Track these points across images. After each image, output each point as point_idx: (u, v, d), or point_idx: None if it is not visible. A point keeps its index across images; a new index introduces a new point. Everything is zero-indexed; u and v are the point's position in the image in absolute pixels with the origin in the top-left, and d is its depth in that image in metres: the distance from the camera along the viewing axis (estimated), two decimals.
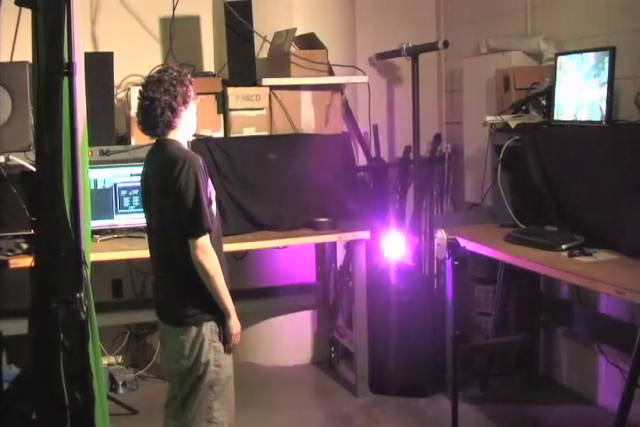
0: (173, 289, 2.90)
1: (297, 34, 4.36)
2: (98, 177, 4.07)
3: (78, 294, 2.57)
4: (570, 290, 4.11)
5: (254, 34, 4.33)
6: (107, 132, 4.12)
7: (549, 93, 3.71)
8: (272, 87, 4.36)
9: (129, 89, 4.32)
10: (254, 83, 4.33)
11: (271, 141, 4.38)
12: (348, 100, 4.75)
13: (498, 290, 4.32)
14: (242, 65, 4.31)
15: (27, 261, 3.31)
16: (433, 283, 4.89)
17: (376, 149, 5.05)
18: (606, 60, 3.32)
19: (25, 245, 3.73)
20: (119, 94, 4.49)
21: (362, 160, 4.98)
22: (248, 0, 4.30)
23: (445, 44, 4.38)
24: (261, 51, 4.52)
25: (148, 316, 3.61)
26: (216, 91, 4.30)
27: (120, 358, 4.71)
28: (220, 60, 4.73)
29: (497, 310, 4.31)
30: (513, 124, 3.78)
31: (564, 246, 3.27)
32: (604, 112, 3.33)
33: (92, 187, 4.05)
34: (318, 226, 4.26)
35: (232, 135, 4.34)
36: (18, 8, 3.24)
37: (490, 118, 3.94)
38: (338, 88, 4.55)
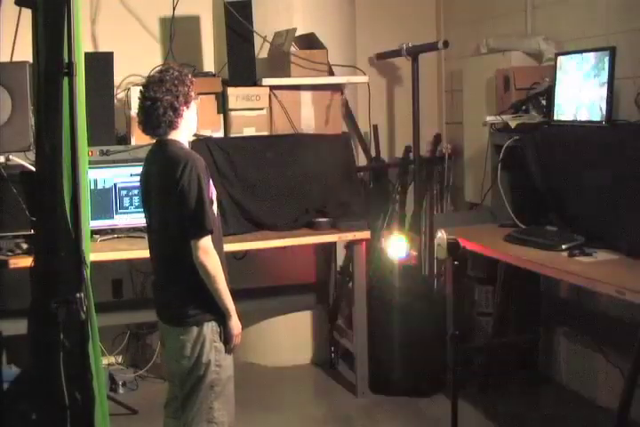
0: (174, 289, 2.90)
1: (297, 34, 4.36)
2: (98, 177, 4.07)
3: (78, 294, 2.57)
4: (570, 290, 4.11)
5: (254, 34, 4.33)
6: (107, 132, 4.12)
7: (549, 93, 3.71)
8: (272, 87, 4.36)
9: (129, 89, 4.32)
10: (254, 83, 4.33)
11: (271, 141, 4.37)
12: (348, 100, 4.75)
13: (498, 290, 4.32)
14: (242, 65, 4.31)
15: (27, 261, 3.30)
16: (433, 283, 4.89)
17: (376, 149, 5.05)
18: (606, 60, 3.32)
19: (25, 245, 3.72)
20: (119, 94, 4.49)
21: (362, 160, 4.98)
22: (248, 0, 4.30)
23: (445, 44, 4.38)
24: (261, 51, 4.52)
25: (147, 316, 3.61)
26: (216, 91, 4.30)
27: (120, 358, 4.71)
28: (220, 60, 4.73)
29: (497, 310, 4.31)
30: (513, 124, 3.79)
31: (563, 246, 3.27)
32: (604, 112, 3.33)
33: (92, 187, 4.05)
34: (318, 226, 4.26)
35: (232, 135, 4.34)
36: (18, 8, 3.23)
37: (490, 118, 3.94)
38: (338, 88, 4.55)
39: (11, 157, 3.73)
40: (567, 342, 4.26)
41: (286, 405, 4.22)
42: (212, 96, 4.29)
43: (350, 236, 4.21)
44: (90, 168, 3.73)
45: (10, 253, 3.69)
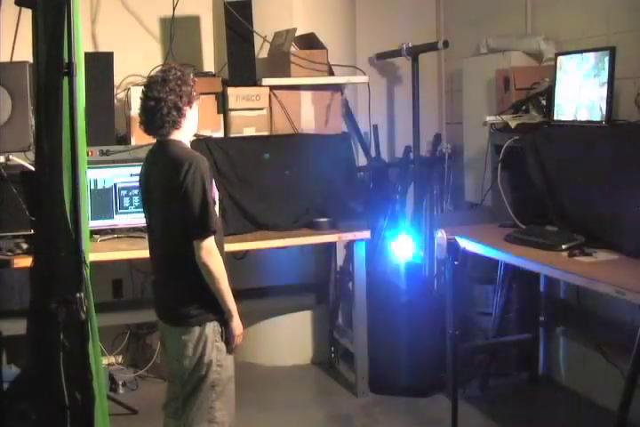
0: (176, 289, 2.89)
1: (297, 34, 4.36)
2: (98, 177, 4.07)
3: (78, 294, 2.57)
4: (570, 290, 4.11)
5: (254, 34, 4.33)
6: (107, 132, 4.12)
7: (549, 93, 3.71)
8: (272, 87, 4.36)
9: (129, 89, 4.32)
10: (254, 83, 4.33)
11: (271, 141, 4.37)
12: (348, 100, 4.75)
13: (498, 290, 4.32)
14: (242, 65, 4.31)
15: (27, 261, 3.31)
16: (433, 283, 4.90)
17: (376, 149, 5.05)
18: (606, 60, 3.32)
19: (25, 245, 3.72)
20: (119, 94, 4.49)
21: (362, 160, 4.98)
22: (248, 0, 4.30)
23: (445, 44, 4.38)
24: (261, 51, 4.52)
25: (147, 316, 3.61)
26: (216, 91, 4.30)
27: (120, 358, 4.71)
28: (220, 60, 4.73)
29: (497, 310, 4.31)
30: (513, 124, 3.78)
31: (564, 246, 3.26)
32: (604, 112, 3.33)
33: (92, 187, 4.05)
34: (318, 226, 4.26)
35: (232, 135, 4.34)
36: (18, 8, 3.24)
37: (490, 118, 3.94)
38: (338, 88, 4.55)
39: (11, 157, 3.73)
40: (567, 342, 4.26)
41: (286, 405, 4.22)
42: (212, 96, 4.29)
43: (350, 236, 4.21)
44: (90, 168, 3.74)
45: (10, 253, 3.69)
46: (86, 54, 3.46)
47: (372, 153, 5.04)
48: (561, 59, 3.65)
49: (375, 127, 5.00)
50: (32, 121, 3.55)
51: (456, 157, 5.07)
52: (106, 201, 4.09)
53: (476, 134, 4.44)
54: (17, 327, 3.10)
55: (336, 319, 4.76)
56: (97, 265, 3.41)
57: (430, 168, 5.12)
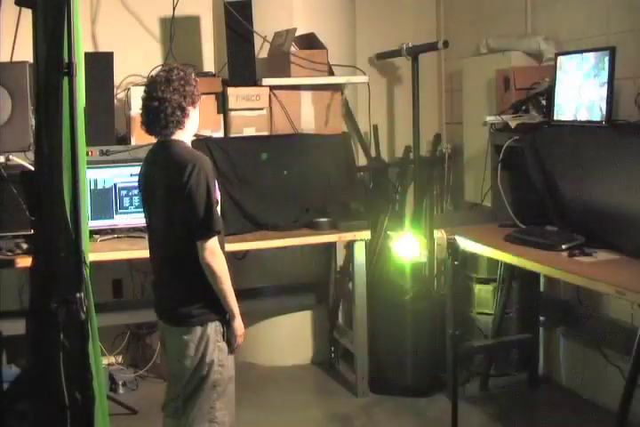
0: (178, 289, 2.89)
1: (297, 34, 4.36)
2: (98, 177, 4.07)
3: (78, 294, 2.57)
4: (570, 290, 4.11)
5: (254, 34, 4.33)
6: (107, 132, 4.12)
7: (549, 93, 3.71)
8: (272, 87, 4.36)
9: (129, 89, 4.32)
10: (254, 83, 4.32)
11: (271, 141, 4.37)
12: (348, 100, 4.75)
13: (498, 290, 4.32)
14: (242, 65, 4.31)
15: (27, 261, 3.31)
16: (433, 283, 4.90)
17: (376, 149, 5.05)
18: (606, 60, 3.32)
19: (25, 245, 3.72)
20: (119, 94, 4.49)
21: (362, 160, 4.98)
22: (248, 0, 4.30)
23: (445, 44, 4.38)
24: (261, 51, 4.52)
25: (147, 316, 3.61)
26: (216, 91, 4.30)
27: (120, 358, 4.71)
28: (220, 60, 4.73)
29: (497, 310, 4.31)
30: (513, 124, 3.78)
31: (563, 246, 3.26)
32: (604, 112, 3.33)
33: (92, 187, 4.05)
34: (318, 226, 4.26)
35: (232, 135, 4.34)
36: (18, 8, 3.24)
37: (490, 118, 3.94)
38: (338, 88, 4.55)
39: (11, 157, 3.73)
40: (567, 342, 4.26)
41: (286, 405, 4.22)
42: (212, 96, 4.29)
43: (350, 236, 4.21)
44: (90, 168, 3.74)
45: (10, 253, 3.69)
46: (86, 54, 3.46)
47: (372, 153, 5.04)
48: (561, 59, 3.65)
49: (375, 127, 5.00)
50: (32, 121, 3.54)
51: (456, 157, 5.07)
52: (106, 201, 4.09)
53: (476, 134, 4.45)
54: (17, 327, 3.10)
55: (336, 319, 4.76)
56: (97, 265, 3.41)
57: (430, 168, 5.12)
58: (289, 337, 4.77)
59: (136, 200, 4.07)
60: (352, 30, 4.85)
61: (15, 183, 3.75)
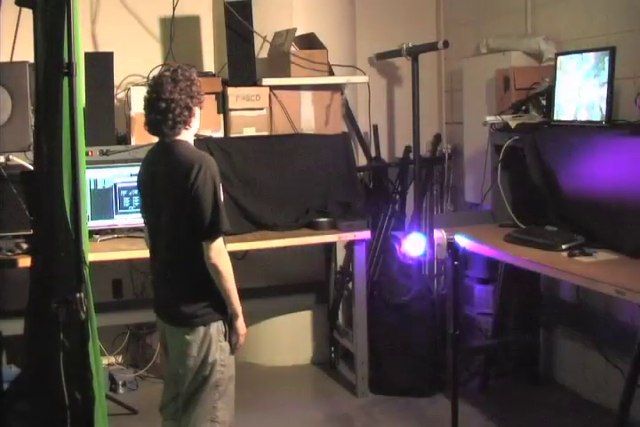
0: (182, 289, 2.88)
1: (297, 34, 4.36)
2: (98, 177, 4.07)
3: (78, 294, 2.57)
4: (570, 290, 4.11)
5: (254, 34, 4.33)
6: (107, 132, 4.12)
7: (549, 93, 3.71)
8: (272, 87, 4.36)
9: (129, 89, 4.32)
10: (254, 83, 4.32)
11: (271, 141, 4.37)
12: (348, 100, 4.75)
13: (498, 290, 4.32)
14: (242, 65, 4.31)
15: (27, 261, 3.31)
16: (433, 283, 4.90)
17: (376, 149, 5.05)
18: (606, 60, 3.32)
19: (25, 245, 3.72)
20: (119, 94, 4.49)
21: (362, 160, 4.98)
22: (248, 0, 4.30)
23: (445, 44, 4.38)
24: (261, 51, 4.52)
25: (147, 316, 3.60)
26: (216, 91, 4.30)
27: (120, 358, 4.71)
28: (220, 60, 4.73)
29: (497, 310, 4.31)
30: (513, 124, 3.78)
31: (564, 246, 3.26)
32: (604, 112, 3.33)
33: (92, 187, 4.05)
34: (318, 226, 4.26)
35: (232, 135, 4.34)
36: (18, 8, 3.23)
37: (490, 118, 3.94)
38: (338, 88, 4.55)
39: (11, 156, 3.73)
40: (567, 342, 4.26)
41: (286, 405, 4.22)
42: (212, 96, 4.28)
43: (350, 236, 4.21)
44: (90, 168, 3.75)
45: (10, 253, 3.70)
46: (86, 54, 3.47)
47: (372, 153, 5.04)
48: (561, 59, 3.65)
49: (375, 127, 5.00)
50: (32, 121, 3.55)
51: (456, 157, 5.07)
52: (106, 201, 4.09)
53: (476, 134, 4.45)
54: (17, 327, 3.10)
55: (336, 319, 4.76)
56: (97, 265, 3.41)
57: (430, 168, 5.13)
58: (289, 337, 4.77)
59: (136, 200, 4.07)
60: (352, 30, 4.85)
61: (15, 183, 3.75)
